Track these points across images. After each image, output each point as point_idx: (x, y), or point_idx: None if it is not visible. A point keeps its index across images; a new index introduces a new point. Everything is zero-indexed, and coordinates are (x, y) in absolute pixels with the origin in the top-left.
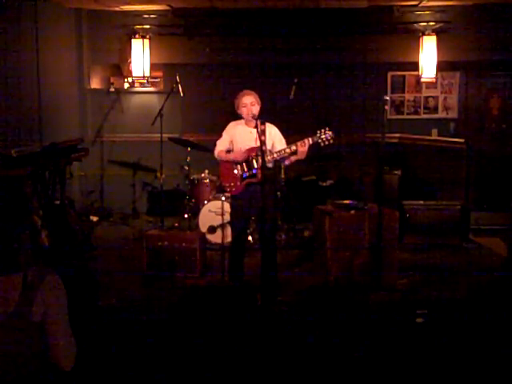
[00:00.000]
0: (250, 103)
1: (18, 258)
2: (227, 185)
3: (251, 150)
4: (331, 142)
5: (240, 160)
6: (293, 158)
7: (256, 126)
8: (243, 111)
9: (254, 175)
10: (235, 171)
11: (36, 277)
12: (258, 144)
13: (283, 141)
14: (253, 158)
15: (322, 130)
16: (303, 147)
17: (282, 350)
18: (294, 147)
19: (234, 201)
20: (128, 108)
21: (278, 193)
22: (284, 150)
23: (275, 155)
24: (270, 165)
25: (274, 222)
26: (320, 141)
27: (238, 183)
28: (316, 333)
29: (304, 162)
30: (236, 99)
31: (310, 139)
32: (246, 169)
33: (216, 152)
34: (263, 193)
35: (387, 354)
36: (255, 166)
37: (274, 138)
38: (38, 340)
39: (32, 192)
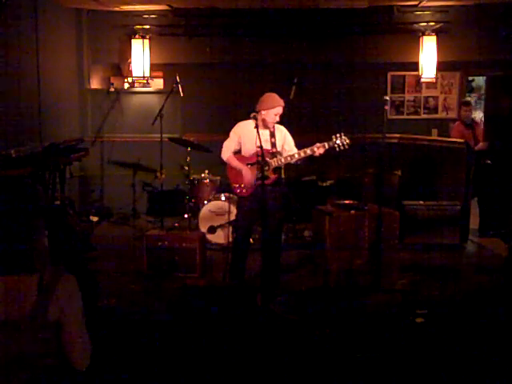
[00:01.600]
0: (279, 115)
1: (34, 258)
2: (237, 186)
3: (259, 151)
4: (347, 147)
5: (248, 178)
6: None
7: (256, 126)
8: (271, 118)
9: (265, 177)
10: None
11: (52, 277)
12: (267, 146)
13: (292, 142)
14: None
15: (338, 135)
16: (320, 153)
17: (282, 350)
18: (309, 152)
19: (241, 202)
20: (128, 108)
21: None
22: (299, 153)
23: (289, 159)
24: (279, 164)
25: (280, 222)
26: (336, 146)
27: (249, 185)
28: (316, 333)
29: (304, 162)
30: (268, 101)
31: (326, 144)
32: (256, 171)
33: (225, 156)
34: (270, 194)
35: (387, 354)
36: (266, 168)
37: (284, 140)
38: (55, 339)
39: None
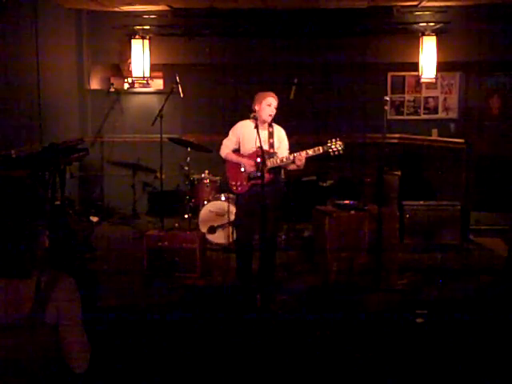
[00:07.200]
0: (274, 106)
1: (33, 260)
2: (233, 183)
3: (259, 151)
4: (341, 152)
5: (247, 168)
6: (292, 167)
7: (256, 126)
8: (265, 109)
9: (260, 176)
10: (242, 170)
11: (50, 279)
12: (265, 147)
13: (287, 146)
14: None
15: (333, 140)
16: (300, 160)
17: (282, 350)
18: (291, 157)
19: (239, 200)
20: (128, 108)
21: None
22: (286, 157)
23: (279, 161)
24: (274, 165)
25: (277, 221)
26: (330, 150)
27: (245, 183)
28: (316, 333)
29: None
30: (259, 96)
31: (321, 148)
32: (253, 169)
33: (224, 153)
34: (265, 193)
35: (387, 354)
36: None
37: (281, 143)
38: (53, 342)
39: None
